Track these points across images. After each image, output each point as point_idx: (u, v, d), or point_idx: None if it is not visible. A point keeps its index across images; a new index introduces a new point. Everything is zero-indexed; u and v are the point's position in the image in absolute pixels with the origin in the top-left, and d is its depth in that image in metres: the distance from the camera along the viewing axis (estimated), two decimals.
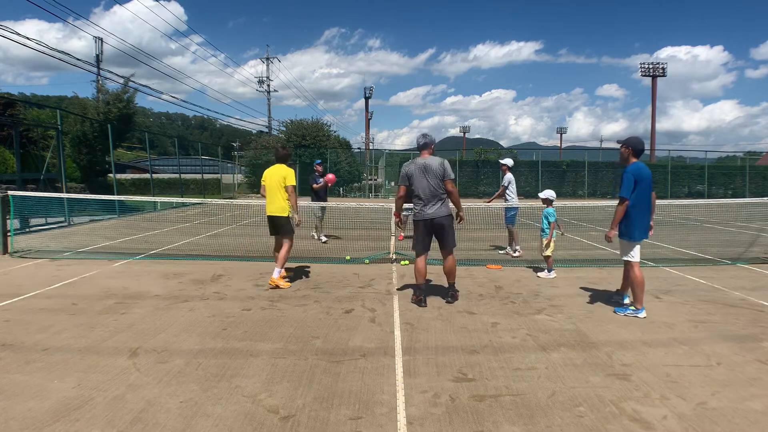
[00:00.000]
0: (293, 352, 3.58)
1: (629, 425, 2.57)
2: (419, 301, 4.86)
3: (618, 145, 4.68)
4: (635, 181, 4.39)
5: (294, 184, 5.68)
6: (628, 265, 4.60)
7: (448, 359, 3.47)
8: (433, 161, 4.76)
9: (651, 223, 4.66)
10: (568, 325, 4.26)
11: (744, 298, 5.22)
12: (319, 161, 10.09)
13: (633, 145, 4.54)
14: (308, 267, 6.81)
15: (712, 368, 3.32)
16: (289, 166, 5.86)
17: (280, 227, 5.75)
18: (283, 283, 5.61)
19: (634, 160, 4.52)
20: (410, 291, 5.45)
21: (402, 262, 7.08)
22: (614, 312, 4.63)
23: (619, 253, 4.71)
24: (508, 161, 8.21)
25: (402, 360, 3.44)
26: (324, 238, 9.55)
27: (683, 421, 2.61)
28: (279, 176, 5.66)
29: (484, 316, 4.55)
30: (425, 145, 4.90)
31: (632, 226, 4.46)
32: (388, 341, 3.84)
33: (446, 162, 4.79)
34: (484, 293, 5.42)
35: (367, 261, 7.34)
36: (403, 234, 9.08)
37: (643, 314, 4.48)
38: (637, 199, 4.42)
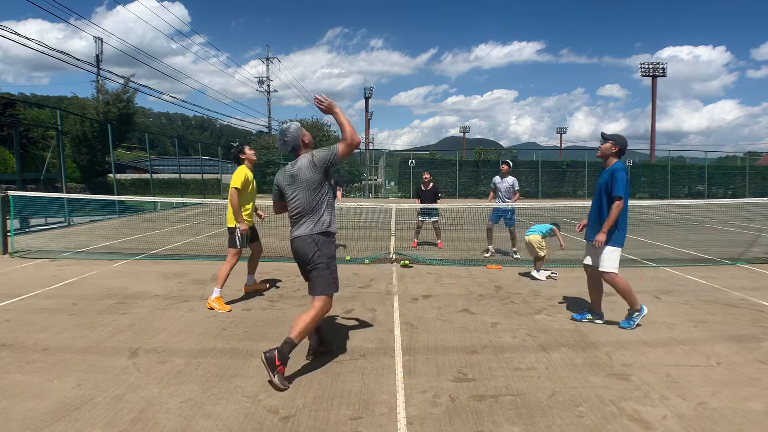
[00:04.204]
0: (293, 352, 3.57)
1: (629, 425, 2.57)
2: (307, 354, 3.49)
3: (601, 139, 4.22)
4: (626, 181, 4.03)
5: (236, 186, 4.75)
6: (608, 276, 4.09)
7: (448, 359, 3.47)
8: (302, 161, 3.23)
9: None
10: (568, 325, 4.26)
11: (744, 298, 5.22)
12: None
13: (621, 144, 4.16)
14: None
15: (712, 368, 3.32)
16: (250, 167, 5.00)
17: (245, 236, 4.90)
18: (219, 306, 4.61)
19: (615, 160, 4.15)
20: (410, 291, 5.45)
21: (402, 263, 7.08)
22: (620, 327, 4.15)
23: (601, 263, 4.11)
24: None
25: (402, 360, 3.44)
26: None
27: (683, 421, 2.61)
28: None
29: (484, 316, 4.55)
30: (286, 144, 3.31)
31: (620, 231, 4.08)
32: (388, 341, 3.84)
33: (321, 151, 3.20)
34: (484, 293, 5.42)
35: (367, 261, 7.34)
36: (416, 241, 9.00)
37: (645, 311, 4.17)
38: (624, 201, 4.03)
